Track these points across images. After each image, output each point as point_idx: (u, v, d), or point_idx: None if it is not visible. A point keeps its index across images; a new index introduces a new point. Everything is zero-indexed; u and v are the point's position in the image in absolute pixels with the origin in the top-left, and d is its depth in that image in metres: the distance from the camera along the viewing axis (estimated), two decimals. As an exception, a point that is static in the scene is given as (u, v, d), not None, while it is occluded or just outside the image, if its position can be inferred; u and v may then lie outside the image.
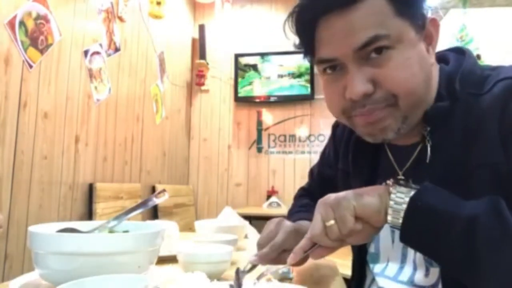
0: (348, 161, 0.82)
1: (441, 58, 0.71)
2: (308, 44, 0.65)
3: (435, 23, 0.65)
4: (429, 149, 0.65)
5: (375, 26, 0.58)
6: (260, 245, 0.77)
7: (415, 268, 0.70)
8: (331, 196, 0.59)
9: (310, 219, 0.85)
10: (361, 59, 0.60)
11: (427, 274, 0.68)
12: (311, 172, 1.03)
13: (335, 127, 0.93)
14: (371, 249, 0.79)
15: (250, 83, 3.75)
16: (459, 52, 0.71)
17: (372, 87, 0.60)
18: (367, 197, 0.57)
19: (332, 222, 0.57)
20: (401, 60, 0.59)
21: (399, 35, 0.59)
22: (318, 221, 0.59)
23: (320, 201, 0.60)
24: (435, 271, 0.67)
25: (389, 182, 0.58)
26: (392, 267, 0.74)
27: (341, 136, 0.87)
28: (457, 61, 0.68)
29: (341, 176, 0.86)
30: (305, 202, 0.96)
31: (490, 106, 0.60)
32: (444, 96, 0.65)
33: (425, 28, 0.63)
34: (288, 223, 0.77)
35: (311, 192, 0.99)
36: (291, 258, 0.62)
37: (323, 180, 0.96)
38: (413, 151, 0.70)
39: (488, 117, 0.60)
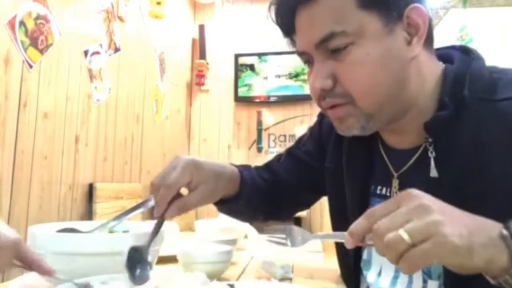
0: (341, 161, 0.76)
1: (445, 57, 0.65)
2: (290, 37, 0.66)
3: (419, 11, 0.57)
4: (432, 162, 0.60)
5: (333, 21, 0.56)
6: (154, 186, 0.66)
7: (410, 281, 0.64)
8: (448, 211, 0.43)
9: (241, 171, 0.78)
10: (325, 51, 0.58)
11: (424, 286, 0.62)
12: (279, 155, 0.93)
13: (322, 115, 0.86)
14: (364, 255, 0.73)
15: (247, 83, 3.75)
16: (464, 51, 0.65)
17: (331, 82, 0.59)
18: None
19: (407, 236, 0.40)
20: (359, 56, 0.56)
21: (359, 29, 0.56)
22: (388, 218, 0.42)
23: (422, 198, 0.43)
24: (433, 284, 0.61)
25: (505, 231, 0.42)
26: (386, 278, 0.67)
27: (329, 133, 0.81)
28: (463, 62, 0.62)
29: (330, 174, 0.80)
30: (250, 166, 0.88)
31: (509, 119, 0.55)
32: (447, 104, 0.59)
33: (403, 18, 0.57)
34: (186, 157, 0.66)
35: (272, 169, 0.89)
36: (348, 243, 0.46)
37: (294, 160, 0.88)
38: (412, 155, 0.65)
39: (507, 130, 0.54)
